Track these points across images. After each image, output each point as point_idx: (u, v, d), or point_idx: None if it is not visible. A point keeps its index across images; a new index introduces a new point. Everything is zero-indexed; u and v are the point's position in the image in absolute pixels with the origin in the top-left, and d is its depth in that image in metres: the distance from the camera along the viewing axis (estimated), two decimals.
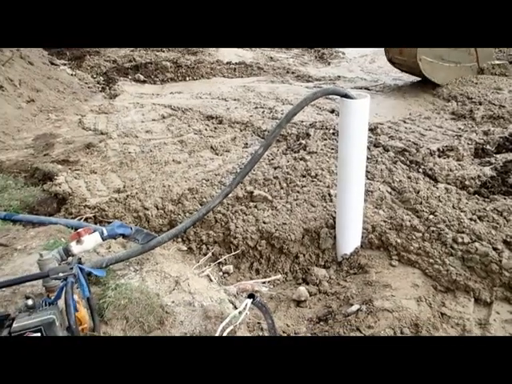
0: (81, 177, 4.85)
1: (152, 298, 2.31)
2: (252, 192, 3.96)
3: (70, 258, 2.16)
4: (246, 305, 1.98)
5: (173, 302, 2.48)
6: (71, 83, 9.58)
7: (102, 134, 6.26)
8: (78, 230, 2.21)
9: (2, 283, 1.84)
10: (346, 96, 2.95)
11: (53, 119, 7.52)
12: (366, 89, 7.61)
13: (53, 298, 1.83)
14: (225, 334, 1.98)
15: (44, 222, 3.97)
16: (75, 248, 2.18)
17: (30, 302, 1.78)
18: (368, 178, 3.97)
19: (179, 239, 3.79)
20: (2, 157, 5.74)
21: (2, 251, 3.35)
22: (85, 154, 5.57)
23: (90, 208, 4.14)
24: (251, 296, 2.03)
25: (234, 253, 3.48)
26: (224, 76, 9.53)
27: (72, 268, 1.86)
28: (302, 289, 3.19)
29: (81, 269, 2.00)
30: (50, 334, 1.69)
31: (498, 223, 3.22)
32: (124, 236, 2.41)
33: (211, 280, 3.25)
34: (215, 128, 5.86)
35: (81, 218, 4.05)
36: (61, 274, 1.82)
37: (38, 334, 1.68)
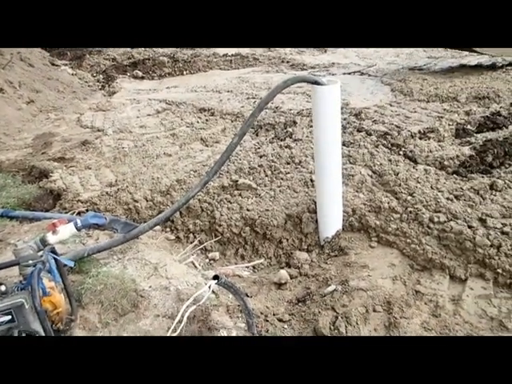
0: (75, 173, 4.99)
1: (127, 283, 2.43)
2: (237, 181, 4.05)
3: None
4: (210, 286, 2.07)
5: (150, 286, 2.59)
6: (71, 83, 9.74)
7: (98, 130, 6.40)
8: (53, 221, 2.33)
9: None
10: (315, 83, 3.01)
11: (52, 119, 7.68)
12: (360, 73, 7.62)
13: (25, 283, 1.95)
14: (187, 315, 2.08)
15: (39, 217, 4.12)
16: (51, 238, 2.30)
17: (2, 288, 1.91)
18: (350, 162, 4.03)
19: (167, 229, 3.91)
20: (2, 157, 5.92)
21: None
22: (80, 150, 5.71)
23: (82, 202, 4.28)
24: (216, 277, 2.13)
25: (216, 238, 3.58)
26: (220, 68, 9.59)
27: (42, 256, 1.98)
28: (283, 272, 3.29)
29: (54, 258, 2.13)
30: (19, 316, 1.82)
31: (474, 202, 3.26)
32: (99, 226, 2.52)
33: (196, 266, 3.37)
34: (207, 120, 5.96)
35: (74, 212, 4.19)
36: (30, 261, 1.94)
37: (9, 317, 1.81)
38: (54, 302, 2.07)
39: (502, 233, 2.92)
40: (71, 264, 2.22)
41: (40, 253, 2.12)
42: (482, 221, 3.08)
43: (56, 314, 2.09)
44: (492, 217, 3.08)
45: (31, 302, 1.85)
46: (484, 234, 2.94)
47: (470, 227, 3.03)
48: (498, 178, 3.47)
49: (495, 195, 3.31)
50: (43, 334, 1.86)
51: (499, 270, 2.76)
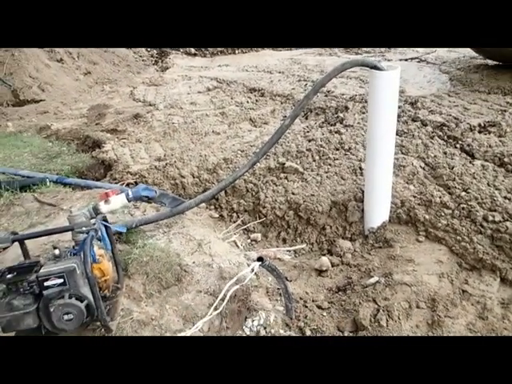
0: (126, 145, 5.12)
1: (171, 256, 2.48)
2: (284, 163, 4.02)
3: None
4: (253, 267, 2.08)
5: (193, 262, 2.64)
6: (126, 56, 9.94)
7: (150, 105, 6.52)
8: (106, 191, 2.40)
9: (32, 234, 2.06)
10: (375, 67, 2.90)
11: (107, 91, 7.90)
12: (418, 60, 7.31)
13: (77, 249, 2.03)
14: (229, 294, 2.10)
15: (90, 185, 4.28)
16: (103, 207, 2.38)
17: (56, 251, 2.00)
18: (402, 153, 3.89)
19: (211, 206, 3.95)
20: (58, 125, 6.16)
21: (50, 210, 3.67)
22: (132, 123, 5.85)
23: (131, 174, 4.39)
24: (260, 259, 2.13)
25: (259, 220, 3.58)
26: (272, 49, 9.48)
27: (95, 223, 2.04)
28: (325, 258, 3.25)
29: (105, 225, 2.19)
30: (71, 280, 1.90)
31: None
32: (149, 198, 2.57)
33: (238, 246, 3.39)
34: (256, 100, 5.92)
35: (123, 183, 4.31)
36: (84, 228, 2.01)
37: (61, 280, 1.89)
38: (103, 269, 2.14)
39: None
40: (123, 230, 2.29)
41: (92, 220, 2.19)
42: None
43: (104, 281, 2.16)
44: None
45: (82, 267, 1.92)
46: None
47: None
48: None
49: None
50: (91, 299, 1.93)
51: None
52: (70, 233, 2.18)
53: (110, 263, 2.26)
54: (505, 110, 4.44)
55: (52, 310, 1.89)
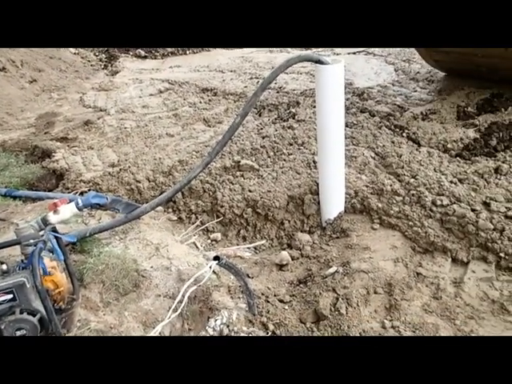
0: (78, 153, 4.98)
1: (128, 263, 2.44)
2: (239, 162, 4.03)
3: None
4: (211, 266, 2.07)
5: (151, 266, 2.61)
6: (74, 62, 9.66)
7: (100, 110, 6.37)
8: (55, 201, 2.33)
9: None
10: (319, 62, 2.96)
11: (55, 98, 7.64)
12: (365, 53, 7.50)
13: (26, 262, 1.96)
14: (187, 295, 2.09)
15: (42, 196, 4.13)
16: (52, 218, 2.31)
17: (4, 267, 1.93)
18: (353, 144, 3.99)
19: (169, 209, 3.91)
20: (5, 136, 5.91)
21: (0, 225, 3.53)
22: (83, 130, 5.69)
23: (85, 182, 4.28)
24: (216, 258, 2.13)
25: (218, 219, 3.58)
26: (224, 48, 9.47)
27: (43, 235, 1.98)
28: (284, 253, 3.29)
29: (55, 236, 2.13)
30: (21, 295, 1.83)
31: (477, 185, 3.22)
32: (100, 205, 2.52)
33: (197, 247, 3.37)
34: (209, 100, 5.91)
35: (76, 192, 4.19)
36: (31, 241, 1.95)
37: (11, 296, 1.82)
38: (56, 281, 2.09)
39: (506, 217, 2.89)
40: (73, 239, 2.23)
41: (41, 232, 2.13)
42: (486, 204, 3.05)
43: (58, 293, 2.10)
44: (496, 201, 3.04)
45: (32, 280, 1.86)
46: (487, 218, 2.92)
47: (473, 210, 3.00)
48: (503, 162, 3.42)
49: (500, 179, 3.27)
50: (44, 313, 1.88)
51: (502, 254, 2.75)
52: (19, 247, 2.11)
53: (63, 274, 2.20)
54: (444, 99, 4.64)
55: (3, 326, 1.82)
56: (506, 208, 2.96)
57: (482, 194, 3.14)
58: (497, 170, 3.35)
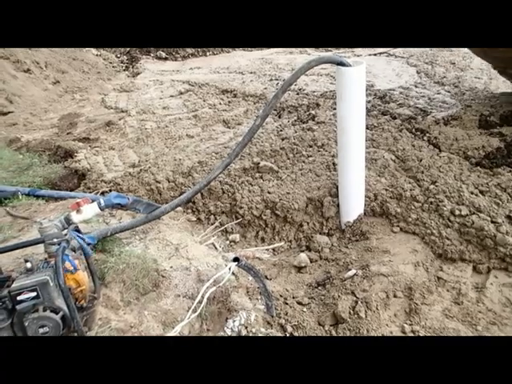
0: (99, 153, 5.06)
1: (148, 262, 2.46)
2: (258, 163, 4.04)
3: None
4: (230, 268, 2.08)
5: (171, 267, 2.63)
6: (96, 63, 9.82)
7: (122, 111, 6.45)
8: (77, 200, 2.36)
9: (1, 249, 2.03)
10: (341, 64, 2.94)
11: (77, 99, 7.78)
12: (386, 54, 7.44)
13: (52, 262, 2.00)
14: (207, 296, 2.11)
15: (64, 196, 4.20)
16: (75, 217, 2.34)
17: (28, 264, 1.96)
18: (373, 146, 3.96)
19: (189, 210, 3.94)
20: (29, 136, 6.04)
21: (23, 224, 3.60)
22: (105, 131, 5.77)
23: (106, 182, 4.34)
24: (236, 259, 2.14)
25: (237, 220, 3.59)
26: (243, 49, 9.50)
27: (66, 234, 2.02)
28: (303, 255, 3.28)
29: (78, 235, 2.17)
30: (44, 293, 1.87)
31: (500, 199, 3.10)
32: (122, 206, 2.55)
33: (216, 248, 3.39)
34: (229, 102, 5.93)
35: (97, 192, 4.26)
36: (55, 240, 1.98)
37: (34, 293, 1.86)
38: (78, 279, 2.11)
39: None
40: (93, 241, 2.26)
41: (64, 231, 2.16)
42: (510, 218, 2.93)
43: (79, 291, 2.13)
44: None
45: (55, 279, 1.89)
46: (508, 232, 2.80)
47: (493, 222, 2.89)
48: None
49: None
50: (67, 311, 1.91)
51: None
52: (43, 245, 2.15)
53: (85, 273, 2.23)
54: (469, 105, 4.56)
55: (27, 324, 1.86)
56: None
57: (506, 208, 3.01)
58: None
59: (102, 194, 4.26)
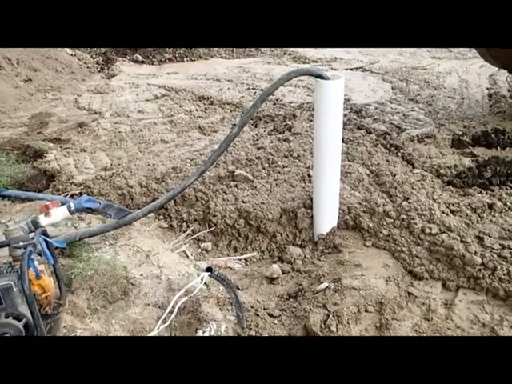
0: (70, 155, 4.93)
1: (118, 269, 2.39)
2: (233, 172, 4.01)
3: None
4: (202, 278, 2.04)
5: (141, 274, 2.56)
6: (70, 63, 9.59)
7: (95, 113, 6.31)
8: (46, 203, 2.28)
9: None
10: (320, 77, 2.97)
11: (49, 98, 7.57)
12: (362, 69, 7.58)
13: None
14: (178, 306, 2.06)
15: (31, 197, 4.06)
16: (43, 220, 2.26)
17: None
18: (348, 160, 4.00)
19: (161, 216, 3.87)
20: None
21: None
22: (77, 132, 5.63)
23: (76, 185, 4.23)
24: (209, 269, 2.10)
25: (210, 229, 3.55)
26: (222, 57, 9.49)
27: (33, 238, 1.94)
28: (275, 266, 3.27)
29: (45, 240, 2.08)
30: (7, 298, 1.78)
31: (470, 219, 3.15)
32: (92, 210, 2.48)
33: (187, 256, 3.33)
34: (206, 109, 5.90)
35: (67, 195, 4.14)
36: (21, 243, 1.90)
37: None
38: (43, 285, 2.03)
39: (499, 256, 2.81)
40: (63, 245, 2.18)
41: (31, 234, 2.08)
42: (479, 238, 2.97)
43: (45, 297, 2.05)
44: (490, 236, 2.96)
45: (20, 284, 1.81)
46: (477, 253, 2.84)
47: (462, 242, 2.93)
48: (498, 199, 3.30)
49: (494, 216, 3.17)
50: (30, 318, 1.82)
51: (491, 289, 2.72)
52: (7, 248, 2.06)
53: (51, 279, 2.15)
54: (442, 124, 4.68)
55: None
56: (501, 245, 2.87)
57: (475, 229, 3.06)
58: (491, 206, 3.23)
59: (72, 196, 4.14)
